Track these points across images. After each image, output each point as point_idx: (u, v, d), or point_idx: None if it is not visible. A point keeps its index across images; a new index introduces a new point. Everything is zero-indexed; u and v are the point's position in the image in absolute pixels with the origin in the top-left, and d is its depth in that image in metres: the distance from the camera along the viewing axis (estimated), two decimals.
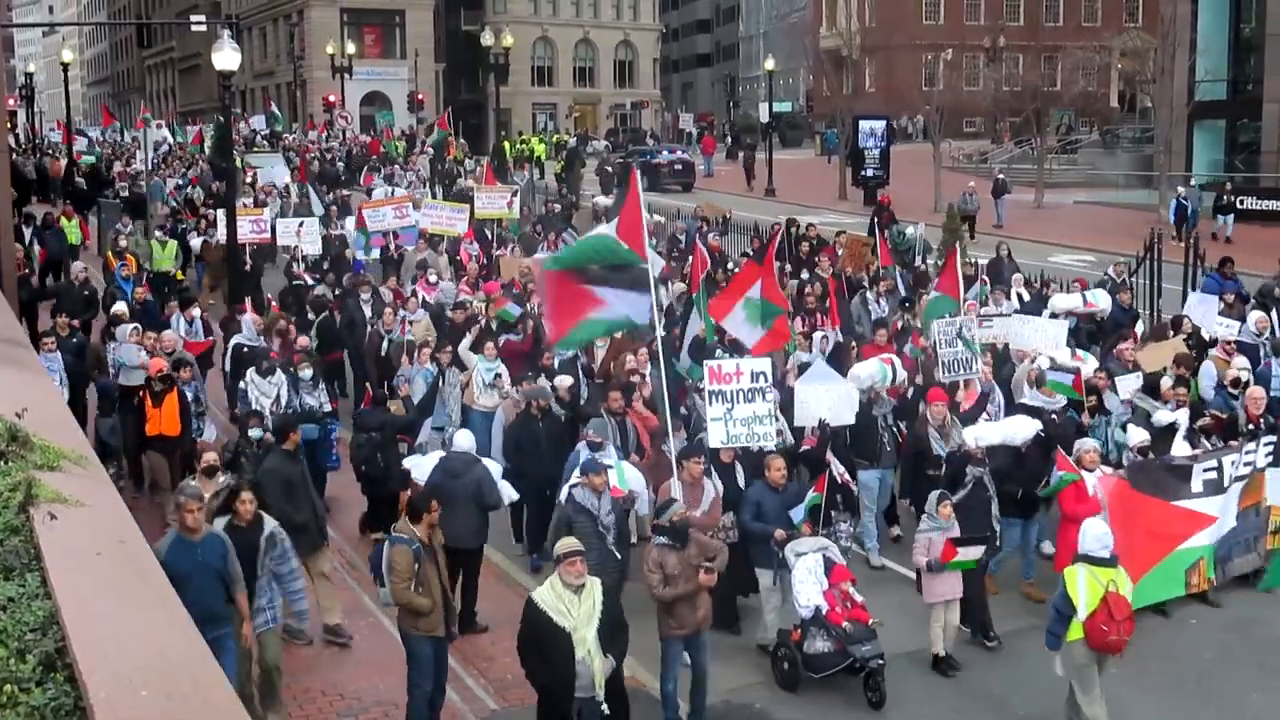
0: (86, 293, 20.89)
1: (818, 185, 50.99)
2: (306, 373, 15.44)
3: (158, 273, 24.59)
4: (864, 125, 48.71)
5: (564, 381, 15.03)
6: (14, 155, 35.42)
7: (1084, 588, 9.71)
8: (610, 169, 47.01)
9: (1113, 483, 12.48)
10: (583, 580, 8.92)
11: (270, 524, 10.26)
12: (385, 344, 17.87)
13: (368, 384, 17.02)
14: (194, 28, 77.86)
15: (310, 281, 22.45)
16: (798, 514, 11.54)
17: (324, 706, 10.90)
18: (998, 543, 12.33)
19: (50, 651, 3.60)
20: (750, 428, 12.59)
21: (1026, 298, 19.95)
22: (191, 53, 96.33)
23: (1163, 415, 14.29)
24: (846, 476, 12.58)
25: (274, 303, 20.37)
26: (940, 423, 13.51)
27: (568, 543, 9.22)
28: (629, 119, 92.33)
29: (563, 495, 12.09)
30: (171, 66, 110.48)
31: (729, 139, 72.34)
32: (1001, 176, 42.63)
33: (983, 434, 12.88)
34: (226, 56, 23.98)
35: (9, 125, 37.60)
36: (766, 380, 12.79)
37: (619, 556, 11.22)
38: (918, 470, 13.63)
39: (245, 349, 17.15)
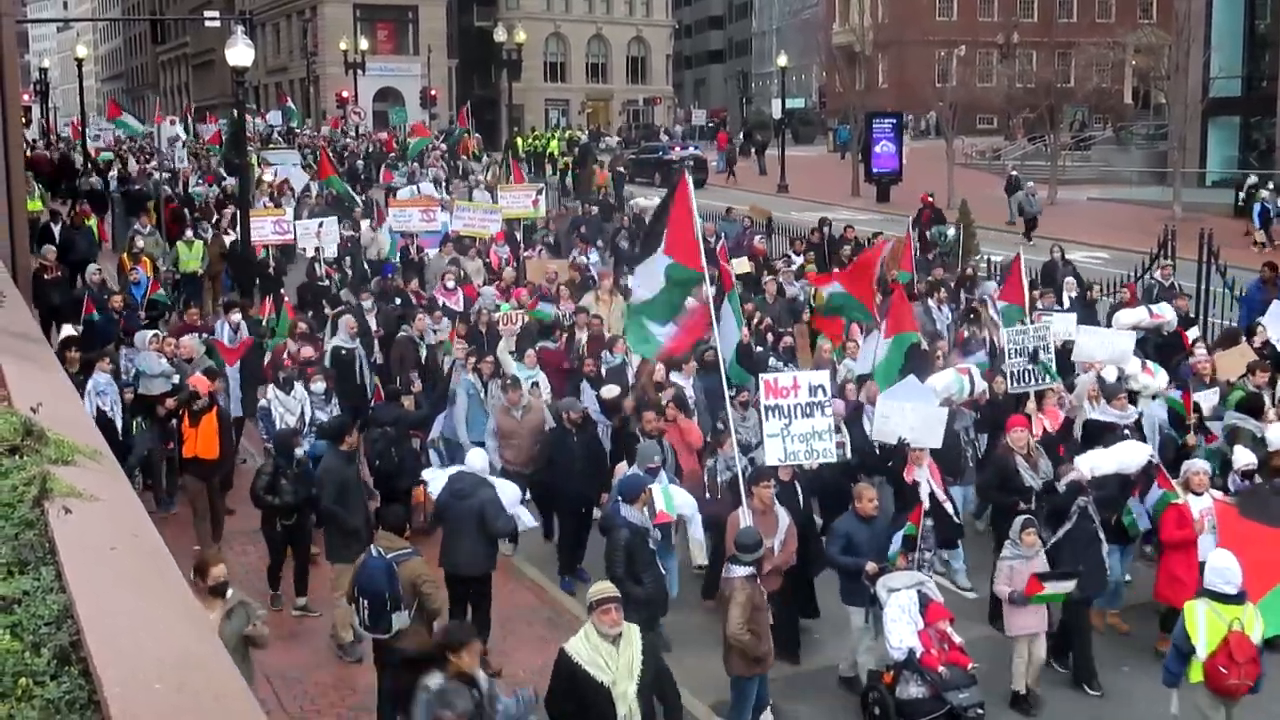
0: (106, 296, 19.86)
1: (830, 182, 50.93)
2: (318, 386, 14.80)
3: (184, 274, 24.22)
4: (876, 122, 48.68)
5: (610, 391, 14.47)
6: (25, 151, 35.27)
7: (1204, 625, 9.07)
8: (623, 168, 46.86)
9: (1220, 509, 11.62)
10: (619, 629, 8.07)
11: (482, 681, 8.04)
12: (424, 350, 17.06)
13: (379, 381, 16.85)
14: (208, 24, 77.93)
15: (330, 279, 22.14)
16: (894, 548, 10.79)
17: (335, 700, 10.94)
18: (1108, 575, 11.58)
19: (65, 645, 3.62)
20: (809, 444, 11.81)
21: (1066, 303, 19.23)
22: (205, 49, 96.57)
23: (1277, 435, 13.04)
24: (943, 498, 11.86)
25: (288, 302, 20.16)
26: (1025, 450, 12.41)
27: (602, 588, 8.38)
28: (641, 115, 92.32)
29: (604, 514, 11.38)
30: (185, 62, 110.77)
31: (741, 135, 72.33)
32: (1015, 173, 42.52)
33: (1098, 463, 11.89)
34: (240, 52, 24.03)
35: (24, 121, 37.66)
36: (825, 394, 11.98)
37: (664, 573, 10.81)
38: (1000, 495, 12.52)
39: (343, 351, 16.57)
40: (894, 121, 49.30)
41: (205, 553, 9.15)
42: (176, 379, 15.21)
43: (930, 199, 31.78)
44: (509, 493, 11.69)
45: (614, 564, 10.34)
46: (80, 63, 52.77)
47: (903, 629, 10.13)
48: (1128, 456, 12.16)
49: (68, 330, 17.09)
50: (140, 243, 24.40)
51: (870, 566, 10.56)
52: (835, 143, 66.13)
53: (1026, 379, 14.20)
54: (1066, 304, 19.20)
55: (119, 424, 14.43)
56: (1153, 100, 56.86)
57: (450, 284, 20.38)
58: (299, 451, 12.63)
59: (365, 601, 9.60)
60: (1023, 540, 10.71)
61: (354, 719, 10.64)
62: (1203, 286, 21.68)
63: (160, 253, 24.90)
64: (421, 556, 10.00)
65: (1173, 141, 43.92)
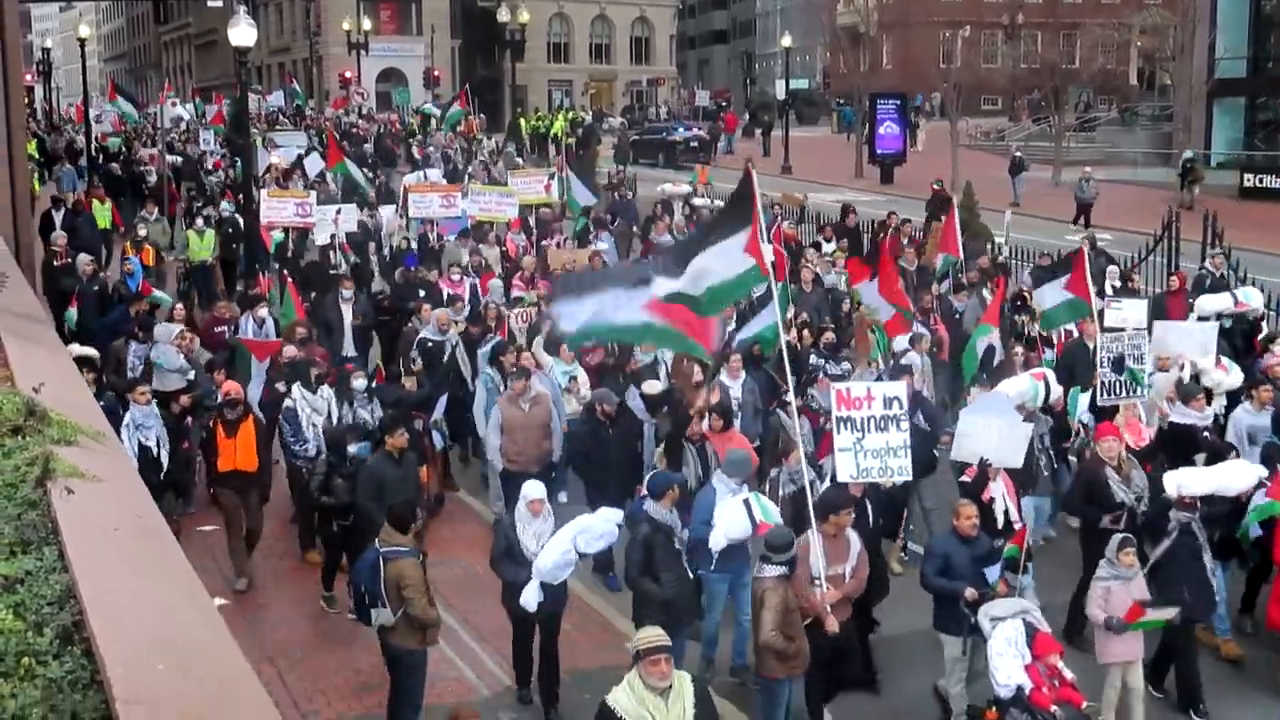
0: (96, 288, 19.32)
1: (834, 163, 50.79)
2: (359, 383, 14.19)
3: (196, 264, 23.89)
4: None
5: (652, 386, 13.88)
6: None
7: None
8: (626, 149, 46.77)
9: None
10: (669, 681, 7.38)
11: None
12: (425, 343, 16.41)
13: (380, 362, 16.70)
14: (210, 3, 77.60)
15: (344, 254, 21.90)
16: (993, 573, 9.98)
17: (339, 682, 10.96)
18: (1216, 598, 10.81)
19: (68, 625, 3.61)
20: (884, 460, 10.92)
21: (1109, 293, 18.26)
22: (208, 29, 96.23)
23: None
24: (1015, 518, 11.17)
25: (292, 285, 19.96)
26: (1116, 463, 11.53)
27: (651, 636, 7.60)
28: (645, 96, 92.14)
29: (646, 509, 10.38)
30: (188, 42, 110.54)
31: (746, 116, 72.11)
32: (1019, 154, 42.41)
33: (1186, 482, 10.85)
34: (243, 32, 23.92)
35: (27, 101, 37.58)
36: (901, 407, 11.07)
37: (692, 577, 10.37)
38: (1088, 511, 11.70)
39: (430, 344, 16.15)
40: (898, 102, 49.06)
41: (459, 707, 8.35)
42: (192, 375, 14.99)
43: (937, 189, 31.10)
44: (553, 555, 10.06)
45: (630, 560, 10.06)
46: (83, 43, 52.49)
47: (1010, 664, 9.14)
48: (1228, 479, 11.11)
49: (79, 350, 15.64)
50: (143, 230, 23.96)
51: (969, 593, 9.77)
52: (840, 123, 65.98)
53: (1118, 390, 13.23)
54: (1109, 293, 18.31)
55: (165, 460, 13.24)
56: (1158, 81, 56.78)
57: (455, 275, 19.87)
58: (354, 449, 12.26)
59: (350, 590, 9.63)
60: (1120, 560, 9.96)
61: (357, 699, 10.67)
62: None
63: (166, 241, 24.30)
64: (417, 558, 9.68)
65: (1177, 123, 43.89)
